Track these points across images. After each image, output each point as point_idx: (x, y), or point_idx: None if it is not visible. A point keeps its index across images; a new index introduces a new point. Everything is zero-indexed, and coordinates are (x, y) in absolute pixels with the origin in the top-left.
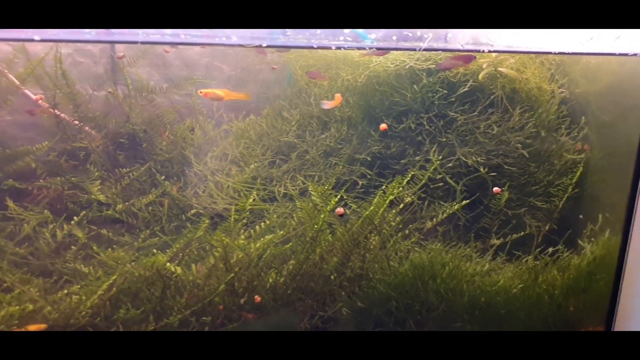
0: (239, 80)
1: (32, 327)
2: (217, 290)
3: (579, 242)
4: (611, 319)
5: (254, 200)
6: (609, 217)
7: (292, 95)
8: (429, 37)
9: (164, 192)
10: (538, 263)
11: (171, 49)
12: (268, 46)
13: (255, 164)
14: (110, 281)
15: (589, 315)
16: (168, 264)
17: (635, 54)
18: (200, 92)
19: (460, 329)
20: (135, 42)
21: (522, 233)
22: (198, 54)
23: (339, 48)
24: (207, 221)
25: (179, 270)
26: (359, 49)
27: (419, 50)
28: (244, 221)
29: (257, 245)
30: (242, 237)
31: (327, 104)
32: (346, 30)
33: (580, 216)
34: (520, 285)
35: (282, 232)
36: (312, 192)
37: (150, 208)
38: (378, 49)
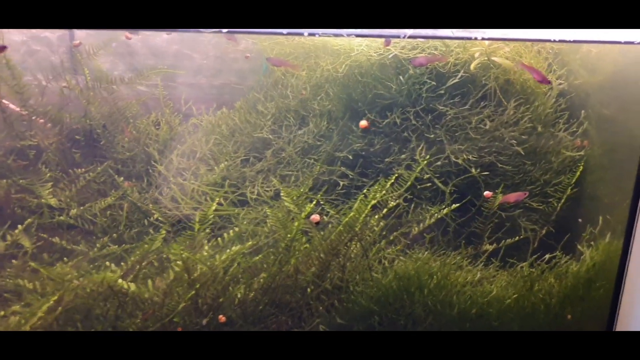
0: (211, 70)
1: None
2: (177, 309)
3: (578, 246)
4: (610, 329)
5: (220, 204)
6: (609, 220)
7: (268, 86)
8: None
9: (124, 195)
10: (534, 270)
11: (134, 36)
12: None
13: (227, 162)
14: (51, 302)
15: (587, 325)
16: (120, 281)
17: None
18: None
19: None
20: None
21: (517, 237)
22: (166, 41)
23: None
24: (164, 232)
25: (132, 287)
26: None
27: (404, 37)
28: (210, 229)
29: (223, 257)
30: (207, 247)
31: None
32: None
33: (579, 220)
34: (514, 295)
35: (250, 242)
36: (284, 197)
37: (108, 212)
38: (357, 35)
